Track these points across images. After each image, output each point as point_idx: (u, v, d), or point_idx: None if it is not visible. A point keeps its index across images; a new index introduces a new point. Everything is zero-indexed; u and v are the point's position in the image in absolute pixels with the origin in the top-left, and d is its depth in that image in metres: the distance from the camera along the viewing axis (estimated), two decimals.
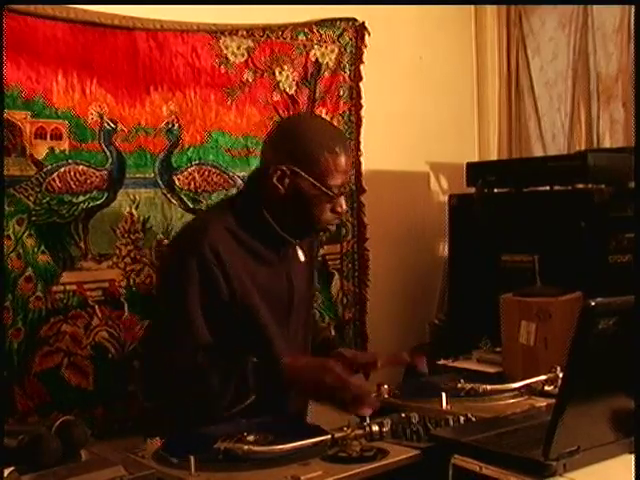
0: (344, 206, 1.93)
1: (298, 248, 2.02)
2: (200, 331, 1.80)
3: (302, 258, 2.02)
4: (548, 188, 2.85)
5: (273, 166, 1.87)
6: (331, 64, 3.08)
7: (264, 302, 1.89)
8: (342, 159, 1.87)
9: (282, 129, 2.02)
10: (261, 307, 1.89)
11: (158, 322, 1.95)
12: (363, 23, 3.15)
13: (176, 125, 2.68)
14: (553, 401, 1.49)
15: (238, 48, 2.82)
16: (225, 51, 2.79)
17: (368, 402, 1.72)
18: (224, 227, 1.88)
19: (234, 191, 2.81)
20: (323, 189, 1.86)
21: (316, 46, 3.03)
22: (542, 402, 1.79)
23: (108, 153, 2.53)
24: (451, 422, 1.66)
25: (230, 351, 1.82)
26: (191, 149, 2.72)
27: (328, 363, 1.81)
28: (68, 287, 2.45)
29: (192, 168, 2.72)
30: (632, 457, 1.38)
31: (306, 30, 3.00)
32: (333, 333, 2.14)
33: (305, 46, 3.00)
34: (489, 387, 1.88)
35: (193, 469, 1.39)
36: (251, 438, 1.51)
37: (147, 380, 1.97)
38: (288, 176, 1.86)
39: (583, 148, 3.27)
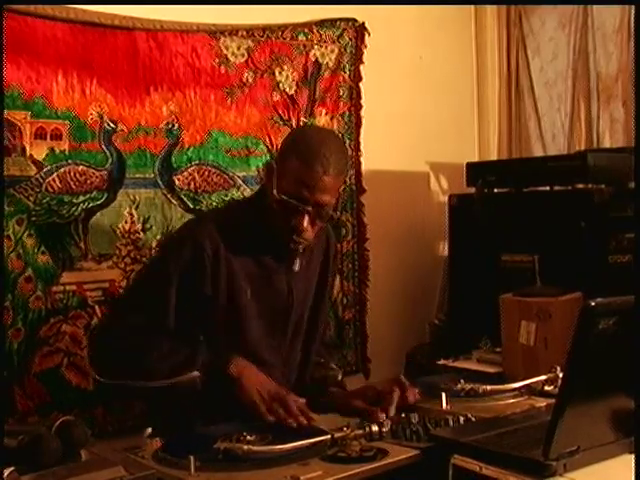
0: (304, 224, 1.82)
1: (297, 258, 1.95)
2: (169, 315, 1.80)
3: (296, 268, 1.96)
4: (548, 188, 2.85)
5: (271, 178, 1.85)
6: (331, 64, 3.08)
7: (256, 306, 1.88)
8: (313, 174, 1.78)
9: (293, 134, 2.02)
10: (248, 310, 1.87)
11: (130, 288, 1.99)
12: (363, 23, 3.15)
13: (176, 125, 2.67)
14: (553, 401, 1.49)
15: (238, 48, 2.82)
16: (225, 51, 2.79)
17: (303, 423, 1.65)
18: (227, 224, 1.88)
19: (234, 191, 2.81)
20: (277, 192, 1.80)
21: (316, 46, 3.03)
22: (542, 402, 1.79)
23: (108, 153, 2.53)
24: (451, 422, 1.66)
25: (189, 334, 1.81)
26: (191, 149, 2.71)
27: (273, 387, 1.75)
28: (68, 287, 2.45)
29: (192, 168, 2.72)
30: (632, 457, 1.38)
31: (306, 30, 3.00)
32: (340, 377, 2.07)
33: (305, 46, 3.00)
34: (489, 387, 1.88)
35: (193, 469, 1.39)
36: (251, 438, 1.51)
37: (98, 341, 1.94)
38: (270, 171, 1.86)
39: (583, 148, 3.27)
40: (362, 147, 3.17)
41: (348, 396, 1.94)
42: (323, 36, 3.05)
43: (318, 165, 1.79)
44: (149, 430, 1.57)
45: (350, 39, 3.13)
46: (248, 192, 2.82)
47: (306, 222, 1.82)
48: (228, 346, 1.83)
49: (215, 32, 2.76)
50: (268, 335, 1.92)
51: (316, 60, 3.03)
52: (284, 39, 2.94)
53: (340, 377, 2.05)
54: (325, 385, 2.02)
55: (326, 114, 3.06)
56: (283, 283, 1.95)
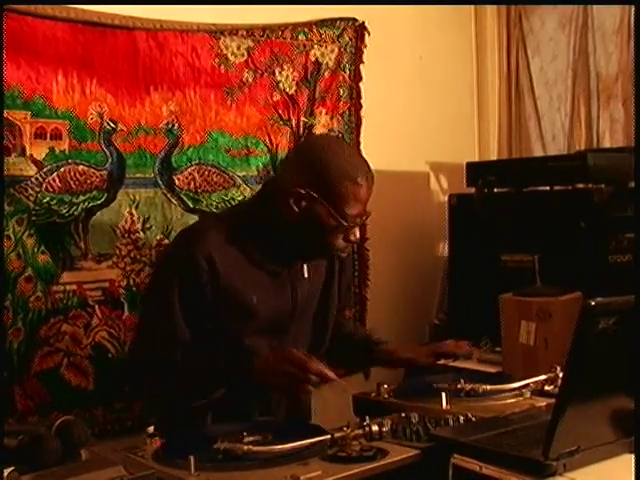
0: (357, 235, 1.89)
1: (305, 265, 1.98)
2: (179, 329, 1.81)
3: (305, 274, 1.98)
4: (548, 188, 2.85)
5: (292, 187, 1.83)
6: (331, 64, 3.08)
7: (258, 311, 1.88)
8: (363, 190, 1.82)
9: (306, 150, 1.97)
10: (250, 315, 1.87)
11: (142, 319, 1.99)
12: (363, 23, 3.15)
13: (176, 125, 2.67)
14: (553, 401, 1.49)
15: (238, 48, 2.82)
16: (225, 51, 2.79)
17: (328, 377, 1.71)
18: (226, 233, 1.86)
19: (234, 191, 2.81)
20: (339, 218, 1.82)
21: (316, 46, 3.03)
22: (542, 402, 1.79)
23: (108, 153, 2.53)
24: (451, 422, 1.66)
25: (208, 346, 1.83)
26: (191, 149, 2.71)
27: (285, 352, 1.78)
28: (68, 287, 2.45)
29: (192, 168, 2.72)
30: (632, 457, 1.38)
31: (306, 30, 3.00)
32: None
33: (305, 46, 3.00)
34: (489, 387, 1.88)
35: (193, 469, 1.39)
36: (251, 438, 1.51)
37: (131, 375, 1.97)
38: (305, 199, 1.83)
39: (583, 148, 3.27)
40: (362, 147, 3.17)
41: (397, 350, 2.13)
42: (323, 36, 3.05)
43: (363, 179, 1.82)
44: (151, 429, 1.57)
45: (350, 39, 3.13)
46: (248, 192, 2.83)
47: (358, 234, 1.89)
48: (228, 346, 1.84)
49: (215, 32, 2.76)
50: (269, 334, 1.93)
51: (316, 60, 3.03)
52: (284, 39, 2.94)
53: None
54: (368, 342, 2.16)
55: (326, 114, 3.06)
56: (287, 288, 1.95)
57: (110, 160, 2.54)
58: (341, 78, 3.11)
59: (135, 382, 1.98)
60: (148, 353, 1.83)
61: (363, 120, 3.17)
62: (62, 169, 2.44)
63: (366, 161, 1.88)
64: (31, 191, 2.38)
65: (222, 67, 2.78)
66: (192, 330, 1.82)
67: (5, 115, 2.31)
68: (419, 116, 3.40)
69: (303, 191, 1.81)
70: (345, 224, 1.82)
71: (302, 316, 2.00)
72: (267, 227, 1.88)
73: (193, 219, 2.68)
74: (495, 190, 3.00)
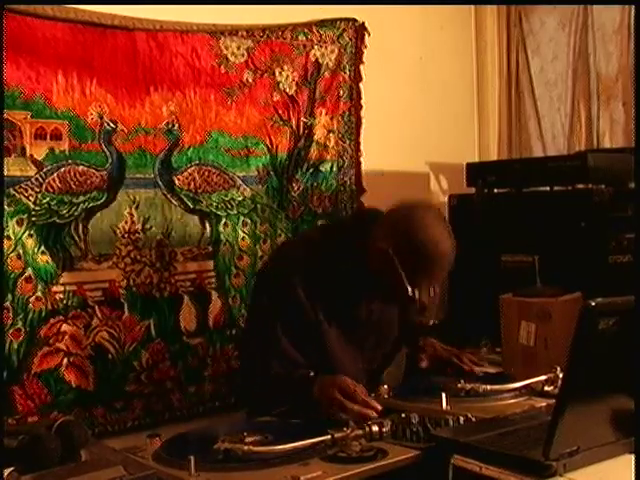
0: (424, 300, 1.97)
1: None
2: (282, 345, 1.97)
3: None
4: (548, 188, 2.85)
5: (380, 243, 1.96)
6: (331, 64, 3.08)
7: (336, 329, 2.02)
8: (438, 275, 1.98)
9: (403, 219, 2.02)
10: (329, 331, 2.02)
11: (249, 332, 2.21)
12: (363, 23, 3.14)
13: (176, 125, 2.67)
14: (553, 401, 1.49)
15: (238, 48, 2.82)
16: (225, 51, 2.79)
17: (368, 414, 1.74)
18: (319, 258, 2.03)
19: (234, 191, 2.81)
20: (407, 285, 1.92)
21: (316, 46, 3.03)
22: (542, 402, 1.79)
23: (108, 153, 2.53)
24: (451, 422, 1.66)
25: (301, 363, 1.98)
26: (191, 149, 2.71)
27: (337, 379, 1.86)
28: (68, 287, 2.45)
29: (192, 168, 2.72)
30: (632, 457, 1.38)
31: (306, 30, 3.00)
32: None
33: (305, 46, 3.00)
34: (489, 387, 1.88)
35: (193, 469, 1.39)
36: (251, 438, 1.51)
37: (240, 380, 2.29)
38: (387, 257, 1.94)
39: (583, 148, 3.27)
40: (362, 147, 3.17)
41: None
42: (323, 36, 3.05)
43: (442, 269, 1.98)
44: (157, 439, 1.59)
45: (350, 39, 3.13)
46: (248, 192, 2.83)
47: (426, 297, 1.99)
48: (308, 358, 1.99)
49: (215, 32, 2.76)
50: (346, 346, 2.06)
51: (316, 60, 3.03)
52: (284, 39, 2.94)
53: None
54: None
55: (326, 114, 3.06)
56: (363, 309, 2.08)
57: (110, 160, 2.54)
58: (341, 78, 3.11)
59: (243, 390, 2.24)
60: (253, 367, 2.04)
61: (363, 120, 3.17)
62: (62, 169, 2.44)
63: (453, 247, 1.99)
64: (31, 191, 2.38)
65: (222, 67, 2.78)
66: (292, 346, 1.98)
67: (5, 115, 2.31)
68: (419, 116, 3.40)
69: (388, 252, 1.94)
70: (410, 295, 1.94)
71: (378, 332, 2.14)
72: (355, 260, 2.01)
73: (193, 219, 2.70)
74: (495, 190, 3.00)
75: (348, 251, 2.03)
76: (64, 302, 2.44)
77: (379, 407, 1.75)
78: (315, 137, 3.02)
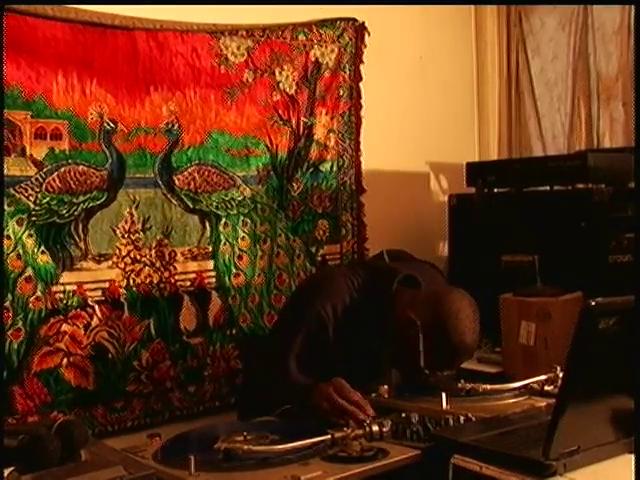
0: (432, 379, 2.00)
1: None
2: (301, 361, 2.02)
3: None
4: (548, 188, 2.85)
5: (410, 312, 2.00)
6: (331, 64, 3.08)
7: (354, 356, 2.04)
8: (455, 365, 2.03)
9: (439, 297, 2.06)
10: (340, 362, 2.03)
11: (273, 342, 2.20)
12: (363, 23, 3.15)
13: (176, 125, 2.67)
14: (553, 401, 1.49)
15: (238, 48, 2.82)
16: (225, 51, 2.79)
17: (362, 416, 1.74)
18: (350, 298, 2.10)
19: (234, 191, 2.81)
20: (422, 364, 1.95)
21: (316, 46, 3.03)
22: (542, 402, 1.79)
23: (108, 153, 2.53)
24: (451, 422, 1.66)
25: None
26: (191, 149, 2.71)
27: (335, 383, 1.87)
28: (68, 287, 2.45)
29: (192, 168, 2.72)
30: (632, 457, 1.38)
31: (306, 30, 3.00)
32: None
33: (305, 46, 3.00)
34: (489, 387, 1.88)
35: (193, 469, 1.39)
36: (251, 438, 1.51)
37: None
38: (413, 329, 1.97)
39: (583, 148, 3.27)
40: (362, 147, 3.17)
41: None
42: (323, 36, 3.05)
43: (461, 360, 2.03)
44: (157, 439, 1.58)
45: (350, 39, 3.13)
46: (248, 192, 2.83)
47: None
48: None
49: (215, 32, 2.76)
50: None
51: (316, 60, 3.03)
52: (284, 39, 2.94)
53: None
54: None
55: (326, 114, 3.06)
56: (372, 354, 2.09)
57: (110, 160, 2.54)
58: (341, 78, 3.11)
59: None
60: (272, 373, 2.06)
61: (363, 120, 3.17)
62: (62, 169, 2.44)
63: (477, 341, 2.04)
64: (31, 191, 2.38)
65: (222, 67, 2.78)
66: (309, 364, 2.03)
67: (5, 115, 2.31)
68: (419, 116, 3.40)
69: (415, 324, 1.97)
70: (423, 370, 1.97)
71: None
72: (381, 315, 2.07)
73: (193, 219, 2.70)
74: (495, 190, 3.00)
75: (379, 303, 2.08)
76: (64, 302, 2.44)
77: (372, 412, 1.75)
78: (315, 137, 3.02)
